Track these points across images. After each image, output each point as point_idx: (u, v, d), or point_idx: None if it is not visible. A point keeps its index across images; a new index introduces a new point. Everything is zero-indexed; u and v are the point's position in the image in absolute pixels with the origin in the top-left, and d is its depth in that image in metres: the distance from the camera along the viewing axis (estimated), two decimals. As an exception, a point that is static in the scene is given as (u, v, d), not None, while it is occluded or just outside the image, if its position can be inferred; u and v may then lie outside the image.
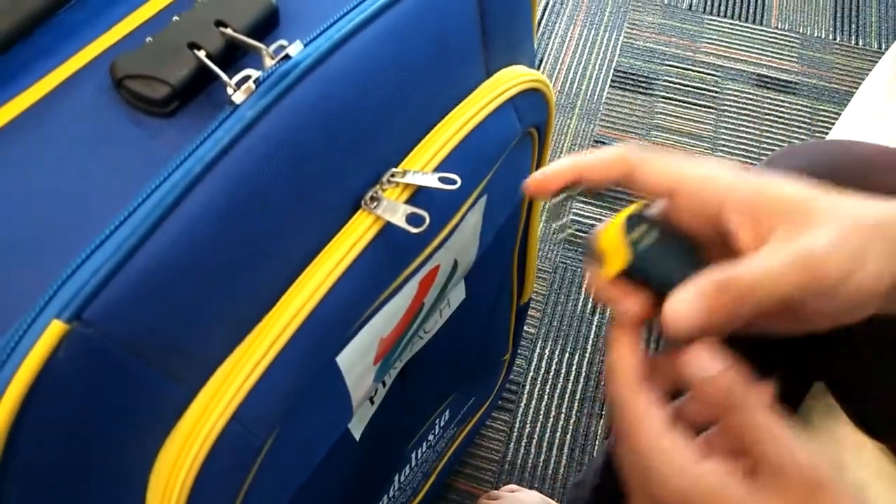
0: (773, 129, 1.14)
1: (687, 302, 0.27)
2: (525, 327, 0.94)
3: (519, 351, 0.92)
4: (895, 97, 0.63)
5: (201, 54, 0.30)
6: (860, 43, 1.25)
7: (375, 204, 0.32)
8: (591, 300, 0.96)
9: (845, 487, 0.25)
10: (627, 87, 1.19)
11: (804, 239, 0.27)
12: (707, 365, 0.27)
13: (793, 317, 0.29)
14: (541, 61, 1.22)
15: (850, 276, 0.27)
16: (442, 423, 0.67)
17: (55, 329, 0.24)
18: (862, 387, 0.44)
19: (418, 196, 0.34)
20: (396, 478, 0.62)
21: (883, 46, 1.25)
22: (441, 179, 0.33)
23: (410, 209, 0.32)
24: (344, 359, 0.34)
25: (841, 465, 0.46)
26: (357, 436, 0.44)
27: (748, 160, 1.10)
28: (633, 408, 0.28)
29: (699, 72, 1.21)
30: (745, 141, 1.13)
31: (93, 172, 0.29)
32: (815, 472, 0.25)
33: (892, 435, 0.43)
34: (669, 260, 0.29)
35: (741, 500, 0.25)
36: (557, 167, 0.31)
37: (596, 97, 1.18)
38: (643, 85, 1.19)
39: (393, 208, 0.32)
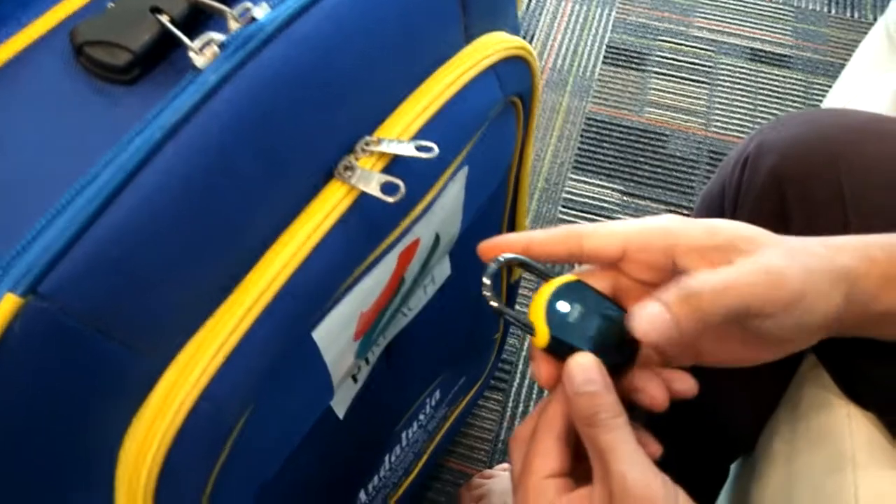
0: (767, 103, 1.13)
1: (654, 314, 0.29)
2: (518, 307, 0.94)
3: (511, 330, 0.91)
4: (885, 67, 0.62)
5: (164, 19, 0.29)
6: (855, 15, 1.24)
7: (349, 173, 0.31)
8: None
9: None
10: (620, 63, 1.18)
11: (762, 256, 0.29)
12: (586, 379, 0.29)
13: (746, 342, 0.31)
14: (532, 38, 1.21)
15: (805, 295, 0.29)
16: (433, 403, 0.66)
17: (9, 303, 0.23)
18: (852, 357, 0.43)
19: (395, 165, 0.33)
20: (387, 458, 0.62)
21: (877, 18, 1.24)
22: (418, 148, 0.32)
23: (386, 178, 0.31)
24: (321, 334, 0.34)
25: (832, 437, 0.46)
26: (341, 414, 0.43)
27: (742, 135, 1.09)
28: (533, 451, 0.31)
29: (692, 47, 1.19)
30: (739, 115, 1.12)
31: (51, 142, 0.27)
32: (648, 490, 0.27)
33: (882, 405, 0.43)
34: (593, 337, 0.31)
35: None
36: (510, 237, 0.33)
37: (588, 74, 1.16)
38: (636, 61, 1.18)
39: (367, 177, 0.31)
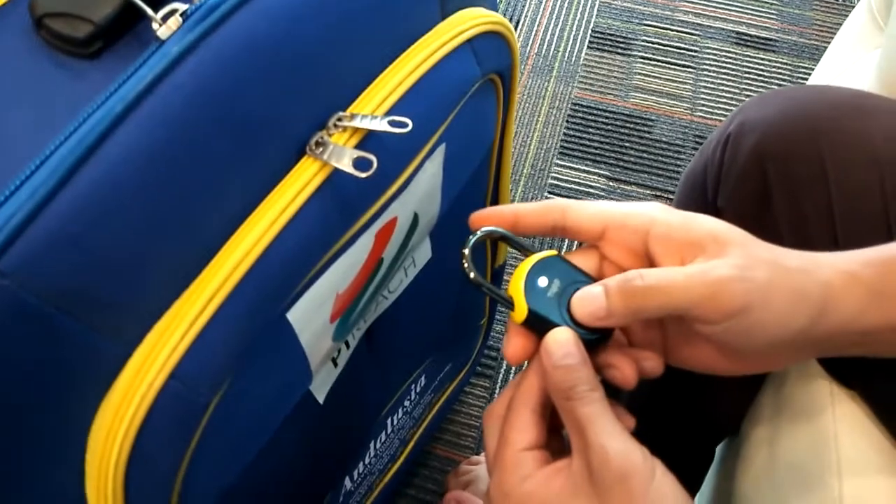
0: (753, 88, 1.13)
1: (593, 296, 0.30)
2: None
3: (498, 317, 0.91)
4: (869, 45, 0.61)
5: (127, -10, 0.28)
6: (840, -1, 1.24)
7: (321, 149, 0.31)
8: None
9: (648, 477, 0.27)
10: (605, 47, 1.17)
11: (711, 264, 0.29)
12: (565, 353, 0.29)
13: (722, 352, 0.31)
14: (517, 23, 1.20)
15: (750, 309, 0.29)
16: (418, 389, 0.66)
17: (-35, 281, 0.23)
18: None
19: (368, 141, 0.32)
20: (372, 444, 0.61)
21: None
22: (391, 123, 0.31)
23: (358, 153, 0.30)
24: (296, 315, 0.33)
25: (816, 417, 0.46)
26: (321, 399, 0.42)
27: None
28: (509, 424, 0.31)
29: (678, 31, 1.19)
30: (724, 100, 1.11)
31: (10, 118, 0.27)
32: (626, 462, 0.27)
33: (865, 382, 0.43)
34: (570, 312, 0.31)
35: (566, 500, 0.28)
36: (500, 208, 0.33)
37: (574, 59, 1.16)
38: (621, 45, 1.17)
39: (340, 153, 0.30)
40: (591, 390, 0.29)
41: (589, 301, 0.30)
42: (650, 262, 0.32)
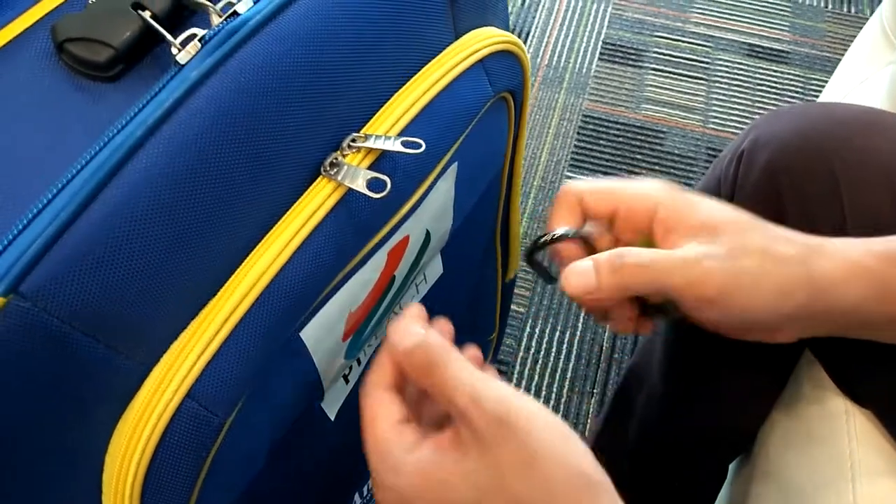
0: (765, 100, 1.12)
1: (581, 269, 0.32)
2: (515, 307, 0.93)
3: (509, 331, 0.91)
4: (881, 61, 0.61)
5: (146, 15, 0.29)
6: (852, 10, 1.23)
7: (336, 170, 0.31)
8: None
9: (528, 409, 0.26)
10: (616, 59, 1.17)
11: (696, 250, 0.31)
12: (405, 334, 0.29)
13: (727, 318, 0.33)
14: (528, 35, 1.20)
15: (731, 296, 0.30)
16: (429, 403, 0.66)
17: (-11, 303, 0.23)
18: (849, 355, 0.43)
19: (382, 162, 0.32)
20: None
21: (874, 13, 1.23)
22: (405, 144, 0.31)
23: (372, 174, 0.30)
24: (309, 333, 0.33)
25: (831, 435, 0.45)
26: (332, 415, 0.42)
27: (740, 131, 1.09)
28: (371, 405, 0.29)
29: (689, 42, 1.19)
30: (736, 112, 1.11)
31: (32, 141, 0.27)
32: (500, 405, 0.26)
33: (880, 402, 0.42)
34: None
35: (451, 470, 0.26)
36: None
37: (584, 70, 1.16)
38: (633, 57, 1.17)
39: (354, 174, 0.31)
40: (445, 351, 0.28)
41: (578, 275, 0.32)
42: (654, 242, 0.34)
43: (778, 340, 0.34)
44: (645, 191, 0.34)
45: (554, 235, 0.36)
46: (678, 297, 0.31)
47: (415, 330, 0.29)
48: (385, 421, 0.29)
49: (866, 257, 0.32)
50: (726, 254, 0.31)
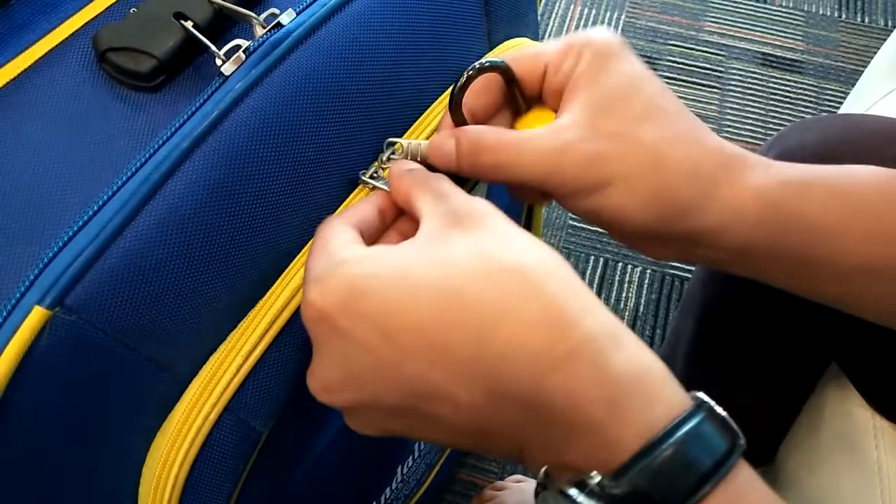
0: (778, 109, 1.12)
1: (443, 146, 0.30)
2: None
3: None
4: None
5: (188, 25, 0.29)
6: (866, 20, 1.23)
7: (374, 181, 0.31)
8: (599, 286, 0.95)
9: (484, 214, 0.25)
10: (630, 67, 1.17)
11: (566, 129, 0.28)
12: (401, 167, 0.29)
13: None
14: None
15: (601, 192, 0.27)
16: (446, 411, 0.65)
17: (36, 316, 0.23)
18: (874, 366, 0.43)
19: (419, 173, 0.32)
20: (399, 469, 0.61)
21: (889, 23, 1.23)
22: (443, 155, 0.31)
23: (411, 186, 0.30)
24: (344, 345, 0.33)
25: (858, 449, 0.45)
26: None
27: (754, 141, 1.08)
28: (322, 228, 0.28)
29: (703, 51, 1.19)
30: (750, 121, 1.11)
31: (75, 151, 0.27)
32: (485, 204, 0.25)
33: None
34: None
35: (404, 257, 0.24)
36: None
37: (598, 79, 1.16)
38: (646, 65, 1.17)
39: (393, 186, 0.30)
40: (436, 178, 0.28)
41: (437, 147, 0.30)
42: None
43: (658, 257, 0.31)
44: (539, 48, 0.30)
45: (483, 64, 0.29)
46: (549, 187, 0.28)
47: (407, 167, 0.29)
48: (340, 234, 0.27)
49: (776, 186, 0.28)
50: (602, 138, 0.27)
